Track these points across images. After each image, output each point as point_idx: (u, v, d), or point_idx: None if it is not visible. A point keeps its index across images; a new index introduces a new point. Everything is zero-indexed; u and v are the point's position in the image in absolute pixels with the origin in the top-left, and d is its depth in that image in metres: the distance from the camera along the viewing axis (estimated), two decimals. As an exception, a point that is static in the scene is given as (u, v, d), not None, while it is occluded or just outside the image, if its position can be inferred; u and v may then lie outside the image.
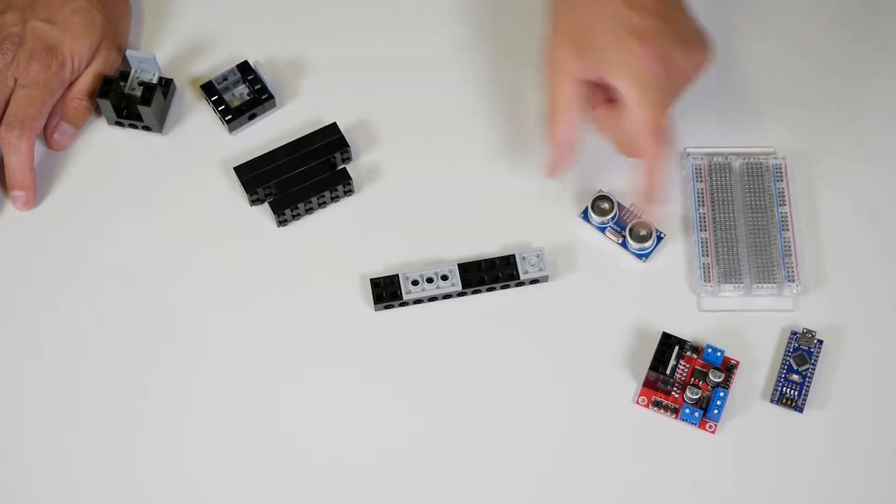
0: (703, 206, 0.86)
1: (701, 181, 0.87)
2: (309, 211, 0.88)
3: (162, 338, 0.85)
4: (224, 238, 0.88)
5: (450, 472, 0.81)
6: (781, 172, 0.87)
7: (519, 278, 0.84)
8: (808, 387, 0.82)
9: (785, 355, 0.83)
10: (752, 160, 0.88)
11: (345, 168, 0.88)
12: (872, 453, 0.81)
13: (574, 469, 0.81)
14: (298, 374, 0.84)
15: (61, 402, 0.83)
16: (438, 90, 0.92)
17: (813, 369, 0.83)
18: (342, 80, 0.92)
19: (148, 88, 0.89)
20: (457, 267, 0.84)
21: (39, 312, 0.86)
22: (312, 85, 0.92)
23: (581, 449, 0.82)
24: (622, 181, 0.88)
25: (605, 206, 0.86)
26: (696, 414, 0.81)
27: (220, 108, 0.90)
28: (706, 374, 0.82)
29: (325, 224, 0.88)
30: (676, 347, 0.83)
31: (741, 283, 0.84)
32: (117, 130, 0.91)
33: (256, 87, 0.90)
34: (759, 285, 0.84)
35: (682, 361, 0.83)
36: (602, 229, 0.87)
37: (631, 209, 0.87)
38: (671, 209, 0.87)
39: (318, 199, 0.87)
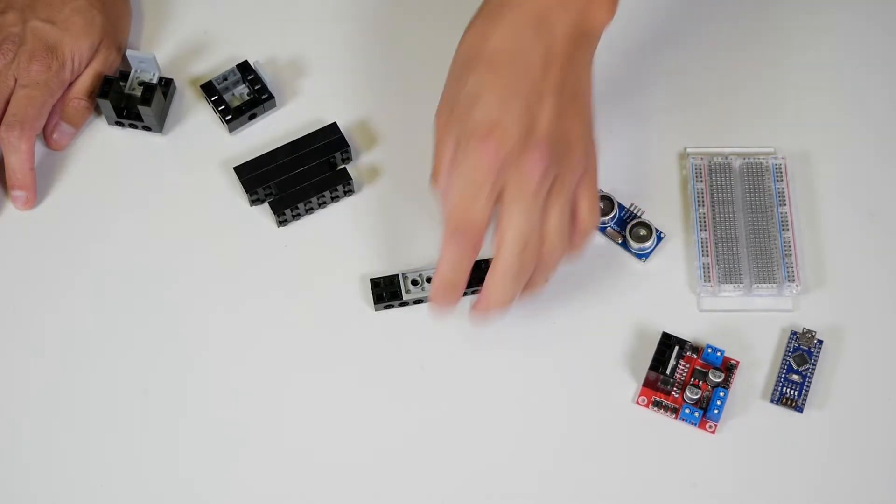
0: (703, 206, 0.86)
1: (701, 181, 0.87)
2: (309, 211, 0.88)
3: (162, 338, 0.85)
4: (224, 238, 0.88)
5: (450, 472, 0.81)
6: (781, 172, 0.87)
7: None
8: (808, 387, 0.82)
9: (785, 355, 0.83)
10: (752, 160, 0.88)
11: (345, 168, 0.88)
12: (872, 453, 0.81)
13: (574, 469, 0.81)
14: (298, 374, 0.84)
15: (61, 402, 0.83)
16: (438, 90, 0.91)
17: (813, 369, 0.83)
18: (342, 80, 0.92)
19: (148, 88, 0.89)
20: None
21: (39, 312, 0.86)
22: (312, 85, 0.92)
23: (581, 449, 0.82)
24: (622, 181, 0.88)
25: (605, 205, 0.86)
26: (696, 414, 0.81)
27: (220, 108, 0.90)
28: (706, 374, 0.82)
29: (325, 224, 0.88)
30: (676, 347, 0.83)
31: (741, 283, 0.84)
32: (117, 130, 0.91)
33: (256, 87, 0.90)
34: (759, 285, 0.84)
35: (682, 361, 0.83)
36: (602, 229, 0.87)
37: (631, 209, 0.87)
38: (671, 208, 0.87)
39: (318, 199, 0.87)
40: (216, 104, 0.90)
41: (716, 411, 0.81)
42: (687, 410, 0.82)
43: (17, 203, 0.88)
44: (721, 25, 0.93)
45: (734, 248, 0.85)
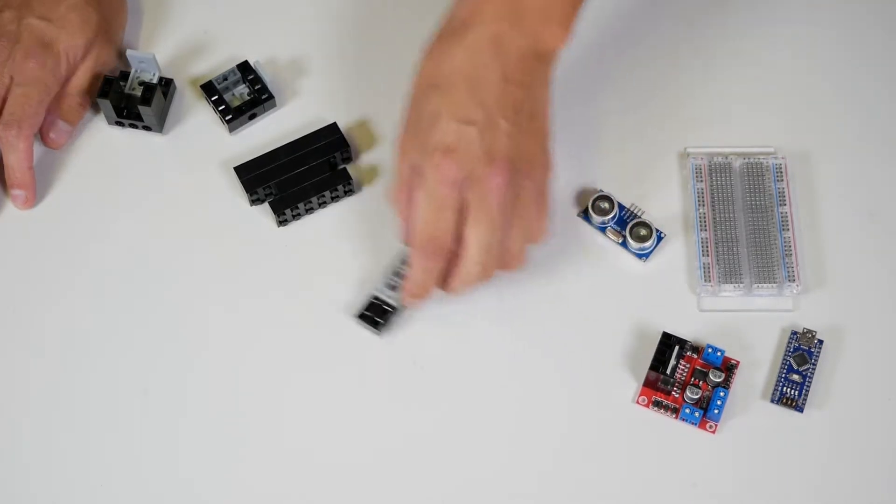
0: (704, 205, 0.86)
1: (701, 181, 0.87)
2: (309, 211, 0.88)
3: (162, 337, 0.85)
4: (224, 238, 0.88)
5: (450, 472, 0.81)
6: (781, 172, 0.87)
7: None
8: (809, 387, 0.82)
9: (785, 355, 0.83)
10: (752, 160, 0.88)
11: (345, 168, 0.88)
12: (872, 453, 0.81)
13: (574, 469, 0.81)
14: (298, 374, 0.84)
15: (61, 402, 0.83)
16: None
17: (813, 369, 0.83)
18: (342, 80, 0.92)
19: (148, 88, 0.89)
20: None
21: (39, 312, 0.86)
22: (312, 85, 0.92)
23: (581, 449, 0.82)
24: (622, 181, 0.88)
25: (605, 205, 0.86)
26: (697, 414, 0.81)
27: (220, 108, 0.90)
28: (706, 374, 0.82)
29: (325, 224, 0.88)
30: (677, 347, 0.83)
31: (741, 282, 0.84)
32: (117, 130, 0.91)
33: (257, 87, 0.90)
34: (760, 285, 0.84)
35: (682, 361, 0.83)
36: (602, 229, 0.87)
37: (631, 209, 0.87)
38: (671, 208, 0.87)
39: (319, 198, 0.87)
40: (216, 104, 0.90)
41: (716, 411, 0.81)
42: (687, 410, 0.81)
43: (17, 202, 0.88)
44: (721, 25, 0.93)
45: (734, 248, 0.85)
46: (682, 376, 0.82)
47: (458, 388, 0.83)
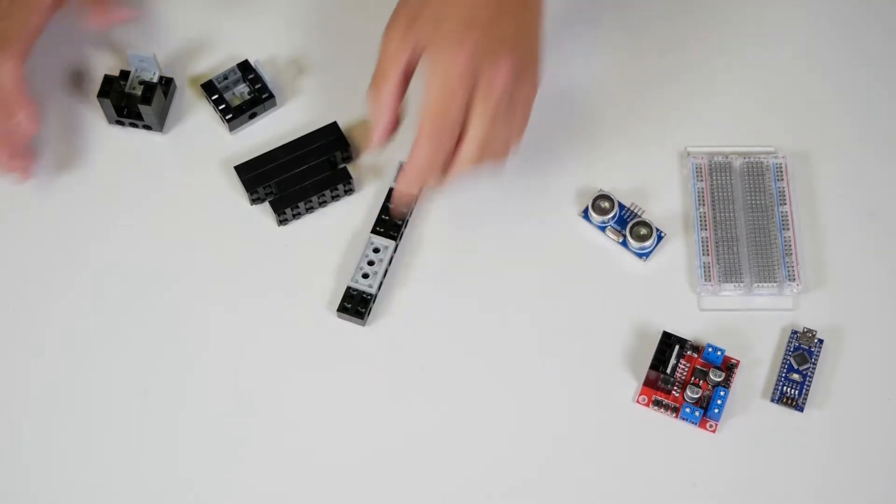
0: (704, 205, 0.86)
1: (701, 180, 0.87)
2: (309, 210, 0.88)
3: (162, 337, 0.85)
4: (224, 238, 0.88)
5: (450, 472, 0.81)
6: (782, 172, 0.87)
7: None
8: (809, 386, 0.82)
9: (785, 354, 0.83)
10: (752, 159, 0.88)
11: (345, 167, 0.88)
12: (872, 453, 0.81)
13: (574, 468, 0.81)
14: (298, 374, 0.84)
15: (61, 402, 0.83)
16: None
17: (813, 368, 0.83)
18: (342, 79, 0.92)
19: (148, 87, 0.89)
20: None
21: (39, 312, 0.86)
22: (313, 84, 0.92)
23: (581, 448, 0.82)
24: (622, 180, 0.88)
25: (606, 205, 0.86)
26: (697, 413, 0.81)
27: (220, 108, 0.90)
28: (706, 374, 0.82)
29: (325, 223, 0.88)
30: (677, 346, 0.83)
31: (741, 282, 0.84)
32: (117, 129, 0.91)
33: (257, 87, 0.90)
34: (760, 284, 0.84)
35: (682, 360, 0.83)
36: (602, 228, 0.87)
37: (631, 208, 0.87)
38: (672, 208, 0.87)
39: (319, 198, 0.87)
40: (216, 103, 0.90)
41: (716, 410, 0.81)
42: (687, 410, 0.82)
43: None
44: (721, 25, 0.93)
45: (735, 248, 0.85)
46: (683, 376, 0.82)
47: (457, 387, 0.83)
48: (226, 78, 0.90)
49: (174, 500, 0.81)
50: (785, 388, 0.82)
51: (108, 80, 0.89)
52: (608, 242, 0.87)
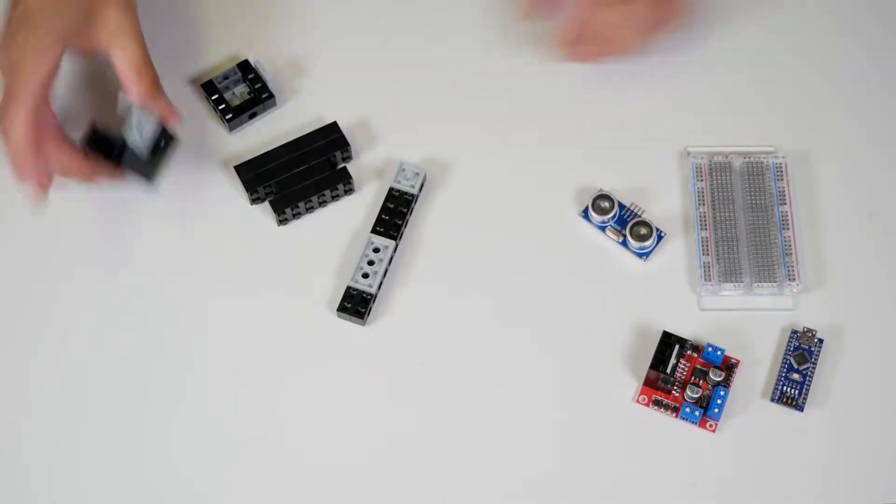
0: (704, 204, 0.86)
1: (701, 180, 0.87)
2: (309, 210, 0.88)
3: (162, 337, 0.85)
4: (224, 237, 0.88)
5: (449, 472, 0.81)
6: (782, 172, 0.87)
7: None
8: (809, 386, 0.82)
9: (785, 354, 0.83)
10: (752, 159, 0.88)
11: (345, 167, 0.88)
12: (872, 453, 0.81)
13: (574, 468, 0.81)
14: (298, 374, 0.84)
15: (61, 402, 0.83)
16: (438, 89, 0.92)
17: (813, 368, 0.83)
18: (342, 79, 0.92)
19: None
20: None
21: (39, 312, 0.86)
22: (312, 84, 0.92)
23: (581, 448, 0.82)
24: (622, 180, 0.88)
25: (606, 204, 0.86)
26: (697, 413, 0.81)
27: (220, 107, 0.90)
28: (706, 373, 0.82)
29: (325, 223, 0.88)
30: (677, 346, 0.83)
31: (741, 281, 0.84)
32: (117, 130, 0.91)
33: (257, 86, 0.90)
34: (760, 284, 0.84)
35: (682, 360, 0.83)
36: (602, 228, 0.87)
37: (631, 208, 0.87)
38: (672, 208, 0.87)
39: (319, 197, 0.87)
40: (216, 103, 0.90)
41: (716, 410, 0.81)
42: (687, 409, 0.82)
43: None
44: (721, 25, 0.93)
45: (735, 247, 0.85)
46: (683, 375, 0.82)
47: (457, 387, 0.83)
48: (226, 78, 0.90)
49: (174, 499, 0.81)
50: (785, 387, 0.82)
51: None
52: (608, 242, 0.87)
